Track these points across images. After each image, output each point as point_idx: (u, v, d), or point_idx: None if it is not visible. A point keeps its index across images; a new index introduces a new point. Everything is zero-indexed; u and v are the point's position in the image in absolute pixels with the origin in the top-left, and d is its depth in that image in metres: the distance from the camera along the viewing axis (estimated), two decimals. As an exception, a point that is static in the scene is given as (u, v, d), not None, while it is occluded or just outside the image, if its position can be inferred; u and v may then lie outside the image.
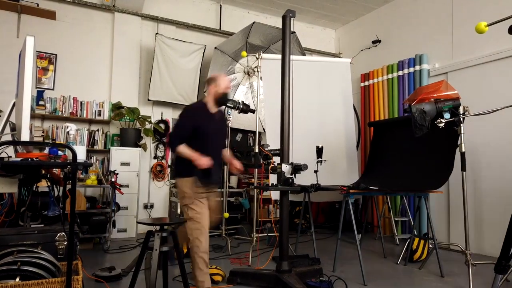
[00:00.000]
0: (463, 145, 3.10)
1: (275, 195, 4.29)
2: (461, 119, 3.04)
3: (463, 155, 3.14)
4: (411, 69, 5.29)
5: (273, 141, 3.91)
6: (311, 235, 3.88)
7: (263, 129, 5.42)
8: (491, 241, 4.17)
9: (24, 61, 1.88)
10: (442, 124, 2.99)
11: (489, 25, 1.64)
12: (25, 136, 1.86)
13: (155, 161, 5.41)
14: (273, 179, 3.65)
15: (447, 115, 3.03)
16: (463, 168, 3.13)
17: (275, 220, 4.94)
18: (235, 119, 5.28)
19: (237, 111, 4.05)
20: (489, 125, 4.27)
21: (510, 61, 4.14)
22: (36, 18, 4.84)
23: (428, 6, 5.23)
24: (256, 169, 4.18)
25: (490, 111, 2.82)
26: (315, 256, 3.69)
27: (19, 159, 1.89)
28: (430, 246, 3.82)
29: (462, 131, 3.08)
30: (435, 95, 3.28)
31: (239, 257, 3.82)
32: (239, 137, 6.14)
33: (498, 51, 4.23)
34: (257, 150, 3.95)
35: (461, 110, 3.06)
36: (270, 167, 3.12)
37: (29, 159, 1.90)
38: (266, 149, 3.46)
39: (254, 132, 5.41)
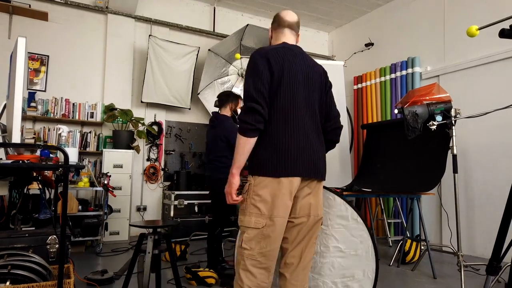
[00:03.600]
0: (454, 147, 3.14)
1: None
2: (453, 121, 3.07)
3: (454, 157, 3.17)
4: (404, 72, 5.33)
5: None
6: (305, 237, 3.88)
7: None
8: (483, 243, 4.21)
9: (16, 62, 1.86)
10: (434, 127, 3.01)
11: (480, 28, 1.66)
12: (16, 138, 1.84)
13: (148, 163, 5.39)
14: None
15: (439, 118, 3.06)
16: (455, 170, 3.17)
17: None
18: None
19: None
20: (480, 128, 4.32)
21: (501, 64, 4.19)
22: (28, 19, 4.80)
23: (420, 10, 5.29)
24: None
25: (481, 114, 2.85)
26: (308, 258, 3.69)
27: (10, 161, 1.87)
28: (423, 247, 3.85)
29: (453, 134, 3.11)
30: (427, 97, 3.30)
31: (232, 260, 3.81)
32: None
33: (489, 54, 4.29)
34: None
35: (452, 112, 3.09)
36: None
37: (20, 161, 1.88)
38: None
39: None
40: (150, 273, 2.23)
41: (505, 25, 1.55)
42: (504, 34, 1.54)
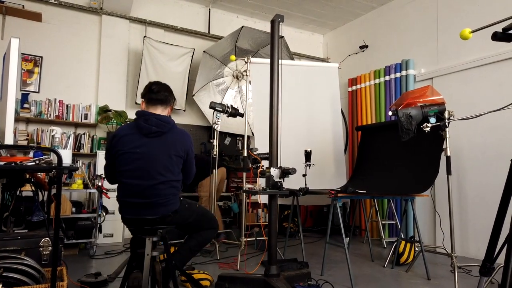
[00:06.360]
0: (448, 149, 3.16)
1: (263, 199, 4.29)
2: (446, 123, 3.09)
3: (448, 159, 3.20)
4: (398, 74, 5.37)
5: (261, 145, 3.91)
6: (300, 239, 3.89)
7: (252, 133, 5.42)
8: (476, 244, 4.24)
9: (9, 63, 1.85)
10: (428, 129, 3.03)
11: (473, 31, 1.67)
12: (9, 140, 1.83)
13: (142, 165, 5.35)
14: (261, 183, 3.65)
15: (432, 120, 3.08)
16: (449, 171, 3.19)
17: (263, 224, 4.93)
18: (224, 123, 5.27)
19: (225, 114, 4.06)
20: (474, 129, 4.35)
21: (494, 67, 4.23)
22: (22, 20, 4.76)
23: (414, 13, 5.33)
24: (244, 173, 4.18)
25: (474, 116, 2.87)
26: (303, 260, 3.70)
27: (2, 163, 1.85)
28: (417, 249, 3.87)
29: (447, 135, 3.14)
30: (421, 100, 3.33)
31: (227, 262, 3.81)
32: (227, 141, 6.13)
33: (482, 57, 4.33)
34: (245, 154, 3.95)
35: (446, 114, 3.12)
36: (258, 171, 3.12)
37: (13, 163, 1.86)
38: (254, 153, 3.45)
39: (242, 136, 5.41)
40: (149, 276, 2.21)
41: (498, 28, 1.57)
42: (496, 37, 1.56)
